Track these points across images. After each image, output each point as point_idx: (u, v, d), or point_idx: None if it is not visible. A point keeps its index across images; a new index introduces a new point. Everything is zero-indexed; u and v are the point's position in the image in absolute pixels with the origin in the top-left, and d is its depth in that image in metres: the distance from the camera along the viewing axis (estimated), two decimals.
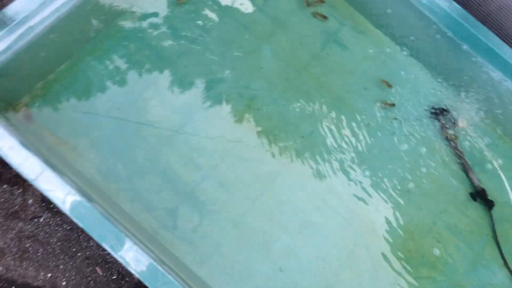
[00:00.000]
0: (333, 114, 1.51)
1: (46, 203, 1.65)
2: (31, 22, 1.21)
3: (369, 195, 1.46)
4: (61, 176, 1.11)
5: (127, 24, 1.48)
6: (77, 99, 1.39)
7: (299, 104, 1.50)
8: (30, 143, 1.16)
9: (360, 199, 1.45)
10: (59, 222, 1.63)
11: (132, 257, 1.08)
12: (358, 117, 1.53)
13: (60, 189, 1.09)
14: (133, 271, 1.07)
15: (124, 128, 1.38)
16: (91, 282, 1.58)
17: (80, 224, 1.08)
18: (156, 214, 1.32)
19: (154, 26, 1.49)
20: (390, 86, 1.57)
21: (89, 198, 1.12)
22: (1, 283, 1.56)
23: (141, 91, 1.43)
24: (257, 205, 1.38)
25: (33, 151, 1.12)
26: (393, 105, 1.56)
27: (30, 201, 1.65)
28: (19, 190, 1.64)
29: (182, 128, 1.41)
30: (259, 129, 1.46)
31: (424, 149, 1.55)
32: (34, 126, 1.34)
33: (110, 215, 1.14)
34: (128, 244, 1.08)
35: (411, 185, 1.49)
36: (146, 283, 1.07)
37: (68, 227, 1.63)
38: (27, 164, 1.10)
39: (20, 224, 1.62)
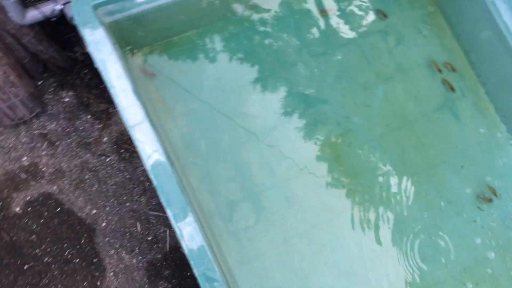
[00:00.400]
0: (420, 179, 1.46)
1: (117, 146, 1.72)
2: None
3: (424, 272, 1.38)
4: (155, 132, 1.15)
5: (259, 18, 1.51)
6: (189, 67, 1.44)
7: (390, 154, 1.47)
8: (138, 91, 1.21)
9: (414, 271, 1.38)
10: (122, 168, 1.69)
11: (188, 232, 1.09)
12: (443, 191, 1.46)
13: (151, 144, 1.12)
14: (184, 246, 1.08)
15: (220, 109, 1.41)
16: (127, 234, 1.63)
17: (155, 182, 1.10)
18: (218, 201, 1.34)
19: (283, 29, 1.51)
20: (495, 192, 1.49)
21: (171, 163, 1.15)
22: (50, 201, 1.64)
23: (248, 83, 1.46)
24: (313, 232, 1.36)
25: (140, 99, 1.16)
26: (490, 201, 1.48)
27: (105, 139, 1.72)
28: (99, 125, 1.73)
29: (272, 132, 1.42)
30: (343, 162, 1.43)
31: (497, 251, 1.45)
32: (144, 77, 1.40)
33: (183, 185, 1.17)
34: (190, 218, 1.09)
35: (469, 281, 1.40)
36: (191, 263, 1.07)
37: (128, 176, 1.69)
38: (131, 110, 1.14)
39: (88, 155, 1.70)
